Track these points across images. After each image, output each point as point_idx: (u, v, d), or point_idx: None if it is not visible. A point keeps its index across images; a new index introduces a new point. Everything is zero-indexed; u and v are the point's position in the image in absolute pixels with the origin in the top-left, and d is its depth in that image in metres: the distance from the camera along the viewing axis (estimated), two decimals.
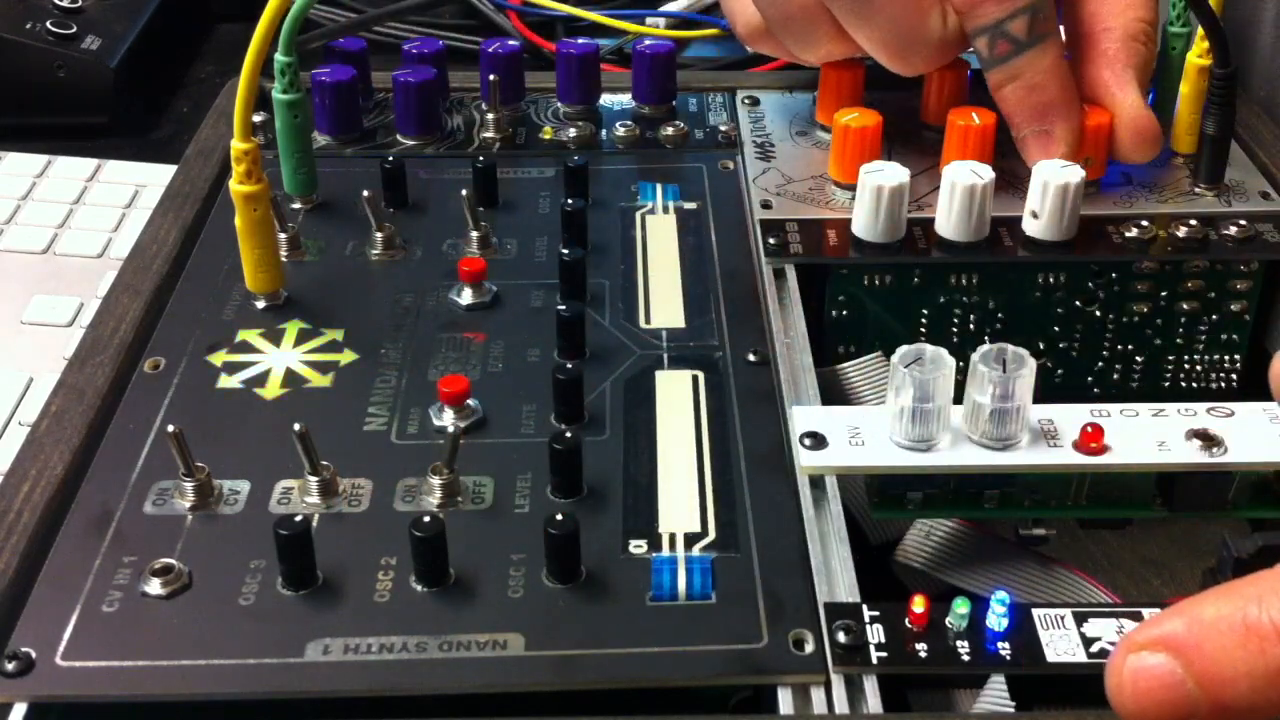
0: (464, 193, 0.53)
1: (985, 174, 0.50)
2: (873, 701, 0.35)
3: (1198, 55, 0.55)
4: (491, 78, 0.60)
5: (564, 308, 0.47)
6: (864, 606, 0.37)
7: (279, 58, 0.52)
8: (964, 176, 0.50)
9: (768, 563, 0.39)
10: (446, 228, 0.54)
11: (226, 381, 0.46)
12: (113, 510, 0.41)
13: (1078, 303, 0.53)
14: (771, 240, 0.52)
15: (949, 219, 0.51)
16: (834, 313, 0.52)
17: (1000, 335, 0.53)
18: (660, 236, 0.54)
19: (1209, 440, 0.42)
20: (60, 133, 0.80)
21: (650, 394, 0.46)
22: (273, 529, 0.38)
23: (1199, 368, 0.54)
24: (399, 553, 0.39)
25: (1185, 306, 0.53)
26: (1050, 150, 0.53)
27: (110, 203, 0.72)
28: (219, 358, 0.47)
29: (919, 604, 0.37)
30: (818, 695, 0.36)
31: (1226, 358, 0.54)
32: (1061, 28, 0.55)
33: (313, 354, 0.48)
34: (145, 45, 0.85)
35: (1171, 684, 0.30)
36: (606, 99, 0.63)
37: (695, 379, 0.47)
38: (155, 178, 0.74)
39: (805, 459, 0.42)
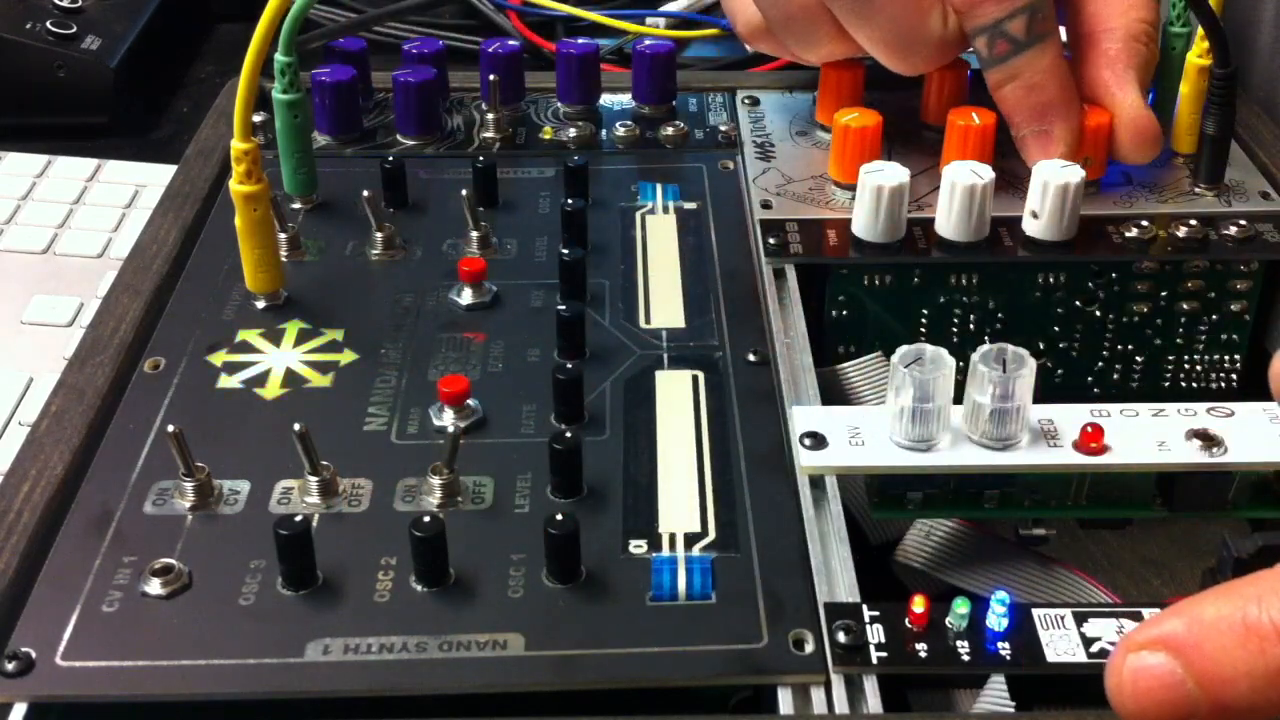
0: (464, 193, 0.53)
1: (985, 174, 0.50)
2: (873, 701, 0.35)
3: (1198, 55, 0.55)
4: (491, 78, 0.60)
5: (564, 308, 0.47)
6: (864, 606, 0.37)
7: (279, 58, 0.52)
8: (964, 176, 0.50)
9: (768, 563, 0.39)
10: (446, 228, 0.54)
11: (226, 381, 0.46)
12: (113, 510, 0.41)
13: (1078, 303, 0.53)
14: (771, 240, 0.52)
15: (949, 219, 0.51)
16: (834, 313, 0.52)
17: (1000, 335, 0.53)
18: (660, 236, 0.54)
19: (1209, 440, 0.42)
20: (60, 133, 0.80)
21: (650, 394, 0.46)
22: (273, 529, 0.38)
23: (1199, 368, 0.54)
24: (399, 553, 0.39)
25: (1185, 306, 0.53)
26: (1049, 150, 0.53)
27: (110, 203, 0.72)
28: (219, 358, 0.47)
29: (919, 604, 0.37)
30: (818, 695, 0.36)
31: (1226, 358, 0.54)
32: (1063, 29, 0.55)
33: (313, 354, 0.48)
34: (145, 45, 0.85)
35: (1171, 684, 0.30)
36: (606, 99, 0.63)
37: (695, 379, 0.47)
38: (155, 178, 0.74)
39: (805, 459, 0.42)
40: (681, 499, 0.42)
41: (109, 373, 0.46)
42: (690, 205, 0.56)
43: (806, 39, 0.55)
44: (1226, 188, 0.55)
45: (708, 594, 0.38)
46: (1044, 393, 0.44)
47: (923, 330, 0.53)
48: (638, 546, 0.40)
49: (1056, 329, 0.53)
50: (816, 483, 0.42)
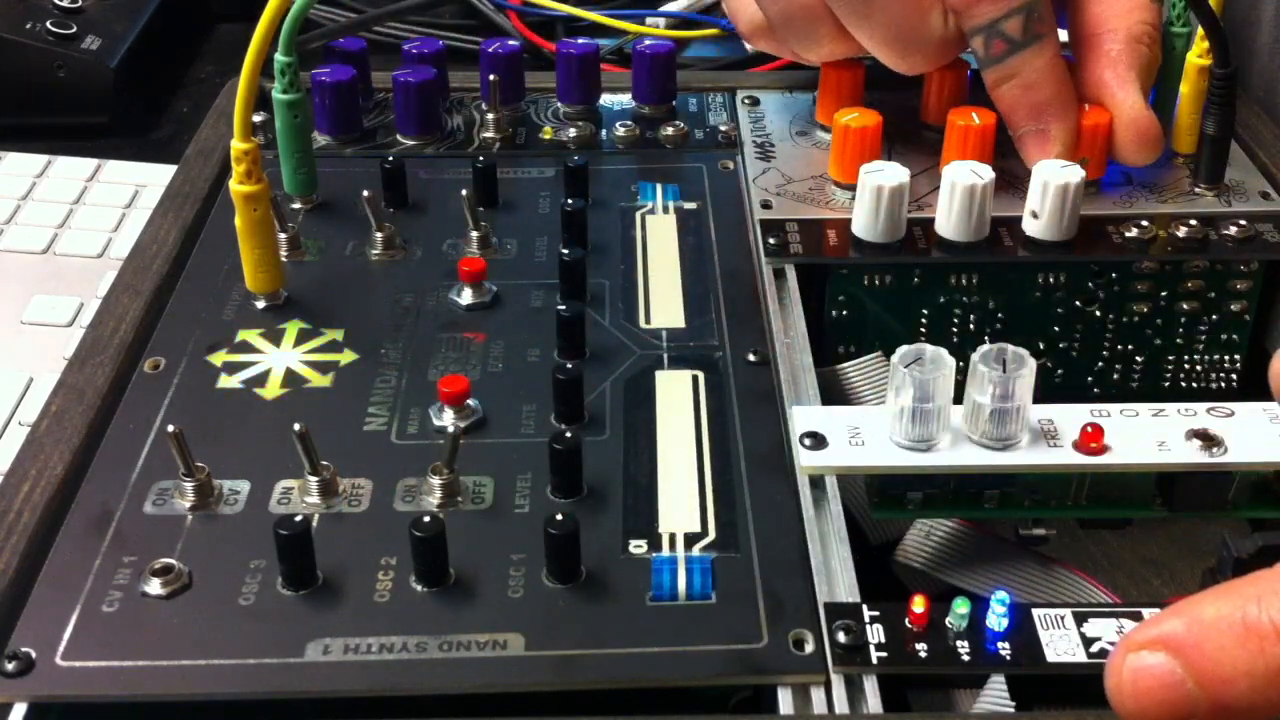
0: (464, 193, 0.53)
1: (985, 174, 0.50)
2: (873, 701, 0.35)
3: (1198, 55, 0.55)
4: (491, 78, 0.60)
5: (564, 308, 0.47)
6: (864, 606, 0.37)
7: (279, 58, 0.52)
8: (964, 176, 0.50)
9: (768, 563, 0.39)
10: (446, 228, 0.54)
11: (226, 381, 0.46)
12: (113, 510, 0.41)
13: (1078, 303, 0.53)
14: (771, 240, 0.52)
15: (949, 219, 0.51)
16: (834, 313, 0.52)
17: (1000, 335, 0.53)
18: (660, 236, 0.54)
19: (1209, 440, 0.42)
20: (60, 133, 0.80)
21: (650, 394, 0.46)
22: (273, 529, 0.38)
23: (1199, 368, 0.54)
24: (399, 553, 0.39)
25: (1185, 306, 0.53)
26: (1047, 149, 0.53)
27: (110, 203, 0.72)
28: (219, 358, 0.47)
29: (919, 604, 0.37)
30: (818, 695, 0.36)
31: (1226, 358, 0.54)
32: (1065, 30, 0.55)
33: (313, 354, 0.48)
34: (145, 45, 0.85)
35: (1171, 684, 0.30)
36: (606, 99, 0.63)
37: (695, 379, 0.47)
38: (155, 178, 0.74)
39: (805, 459, 0.42)
40: (681, 499, 0.42)
41: (109, 373, 0.46)
42: (690, 205, 0.56)
43: (807, 38, 0.55)
44: (1226, 188, 0.55)
45: (708, 594, 0.38)
46: (1044, 393, 0.44)
47: (923, 330, 0.53)
48: (638, 546, 0.40)
49: (1056, 329, 0.53)
50: (816, 483, 0.42)
